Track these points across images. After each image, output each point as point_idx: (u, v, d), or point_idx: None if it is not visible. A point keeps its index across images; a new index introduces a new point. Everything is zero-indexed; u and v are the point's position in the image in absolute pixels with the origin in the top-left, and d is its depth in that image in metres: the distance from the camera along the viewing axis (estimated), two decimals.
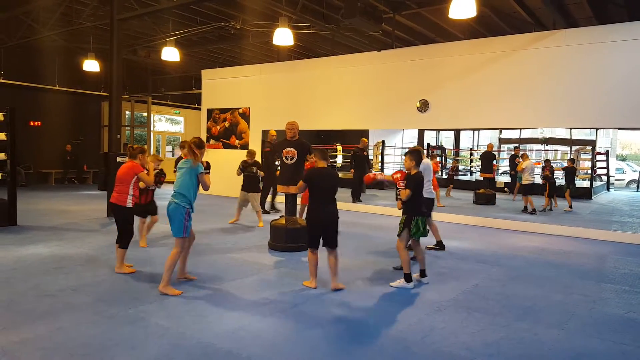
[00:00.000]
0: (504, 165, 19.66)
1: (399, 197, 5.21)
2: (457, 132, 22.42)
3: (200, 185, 4.65)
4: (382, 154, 17.36)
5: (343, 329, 3.82)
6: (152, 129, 18.37)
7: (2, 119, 7.80)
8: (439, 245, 6.89)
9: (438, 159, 13.85)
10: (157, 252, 6.13)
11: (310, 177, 4.96)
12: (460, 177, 18.24)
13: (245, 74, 13.38)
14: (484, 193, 12.58)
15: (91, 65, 12.65)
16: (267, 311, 4.15)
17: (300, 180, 5.18)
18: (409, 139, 21.26)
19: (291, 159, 6.61)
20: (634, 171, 20.50)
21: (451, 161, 19.93)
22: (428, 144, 19.54)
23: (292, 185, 6.31)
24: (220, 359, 3.21)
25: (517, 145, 18.09)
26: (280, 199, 9.73)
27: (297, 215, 8.24)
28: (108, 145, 9.58)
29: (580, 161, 18.80)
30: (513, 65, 9.13)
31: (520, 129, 19.50)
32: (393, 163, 19.19)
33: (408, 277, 4.99)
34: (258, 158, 9.59)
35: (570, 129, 18.47)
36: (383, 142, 17.59)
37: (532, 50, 8.93)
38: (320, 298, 4.56)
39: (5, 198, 7.84)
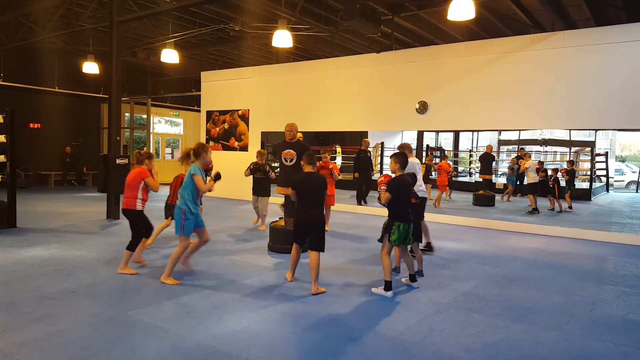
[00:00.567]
0: (503, 167, 19.67)
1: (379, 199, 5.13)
2: (457, 134, 22.44)
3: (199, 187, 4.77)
4: (382, 155, 17.37)
5: (342, 330, 3.82)
6: (151, 131, 18.38)
7: (1, 121, 7.80)
8: (428, 247, 6.71)
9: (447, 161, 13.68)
10: (162, 254, 6.13)
11: (297, 184, 5.01)
12: (460, 179, 18.25)
13: (244, 75, 13.39)
14: (484, 194, 12.61)
15: (91, 67, 12.67)
16: (267, 313, 4.15)
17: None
18: (408, 140, 21.28)
19: (290, 161, 6.63)
20: (634, 172, 20.51)
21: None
22: (427, 145, 19.57)
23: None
24: None
25: (522, 147, 18.09)
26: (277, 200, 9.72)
27: None
28: (107, 147, 9.58)
29: (580, 162, 18.84)
30: (512, 66, 9.15)
31: (520, 130, 19.52)
32: None
33: (387, 286, 4.73)
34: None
35: (570, 130, 18.49)
36: (382, 143, 17.61)
37: (531, 51, 8.94)
38: (319, 300, 4.56)
39: (4, 200, 7.83)
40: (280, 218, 6.70)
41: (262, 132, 13.06)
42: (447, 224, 9.76)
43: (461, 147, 23.10)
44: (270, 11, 9.71)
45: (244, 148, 13.10)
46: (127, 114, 17.45)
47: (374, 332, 3.78)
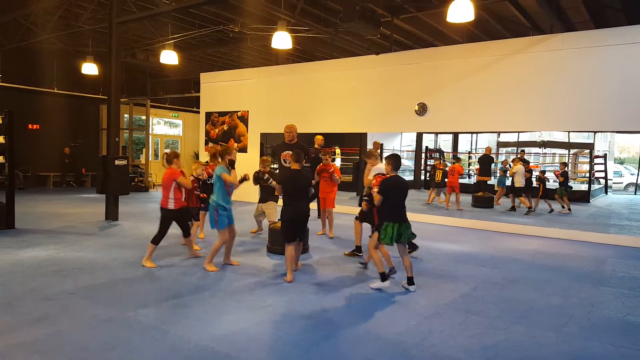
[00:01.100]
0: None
1: (364, 197, 5.80)
2: (456, 136, 22.44)
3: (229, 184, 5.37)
4: (381, 157, 17.34)
5: (341, 331, 3.81)
6: (150, 132, 18.36)
7: (0, 122, 7.79)
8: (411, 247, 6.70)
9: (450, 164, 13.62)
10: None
11: (282, 181, 5.60)
12: (459, 180, 18.20)
13: (243, 77, 13.40)
14: (483, 196, 12.63)
15: (90, 68, 12.67)
16: (265, 314, 4.15)
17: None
18: (408, 142, 21.29)
19: (289, 162, 6.62)
20: (632, 174, 20.53)
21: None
22: (426, 147, 19.59)
23: None
24: None
25: (522, 149, 18.09)
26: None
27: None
28: (106, 148, 9.57)
29: (579, 164, 18.86)
30: (511, 68, 9.16)
31: (519, 132, 19.53)
32: None
33: (382, 277, 4.99)
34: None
35: (569, 132, 18.51)
36: (382, 145, 17.59)
37: (530, 54, 8.96)
38: (318, 301, 4.55)
39: (3, 201, 7.82)
40: (279, 220, 6.70)
41: (261, 134, 13.06)
42: (445, 225, 9.76)
43: (460, 149, 23.11)
44: (269, 12, 9.71)
45: (243, 149, 13.10)
46: (126, 115, 17.43)
47: (373, 334, 3.78)
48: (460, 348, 3.54)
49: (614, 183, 19.63)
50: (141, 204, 11.84)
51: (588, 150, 17.33)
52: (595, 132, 19.06)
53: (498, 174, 14.61)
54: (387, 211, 4.99)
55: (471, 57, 9.64)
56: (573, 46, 8.56)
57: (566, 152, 19.85)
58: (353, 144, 16.78)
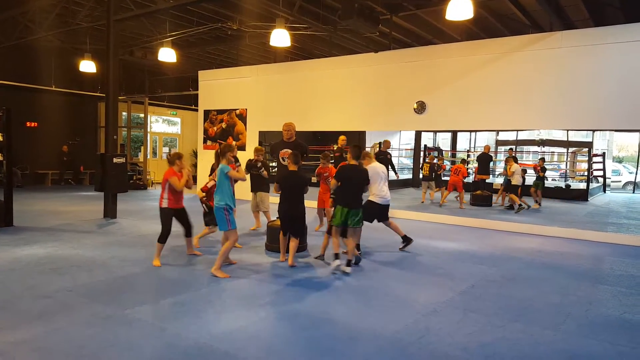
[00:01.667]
0: (500, 167, 19.69)
1: (331, 195, 6.29)
2: (454, 134, 22.44)
3: (235, 182, 5.33)
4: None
5: (339, 329, 3.81)
6: (148, 130, 18.34)
7: None
8: (406, 240, 6.89)
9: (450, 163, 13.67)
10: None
11: (280, 180, 5.80)
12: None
13: (242, 75, 13.37)
14: (481, 194, 12.64)
15: (88, 66, 12.63)
16: (264, 312, 4.15)
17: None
18: (406, 140, 21.29)
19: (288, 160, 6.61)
20: (630, 173, 20.56)
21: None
22: (425, 145, 19.58)
23: None
24: None
25: (511, 147, 18.14)
26: None
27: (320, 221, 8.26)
28: (105, 146, 9.56)
29: (577, 163, 18.88)
30: (510, 66, 9.16)
31: (517, 130, 19.54)
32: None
33: (336, 256, 5.55)
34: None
35: (567, 130, 18.52)
36: (380, 143, 17.59)
37: (529, 51, 8.96)
38: (316, 299, 4.56)
39: (1, 199, 7.81)
40: (277, 218, 6.69)
41: (259, 132, 13.05)
42: (444, 223, 9.77)
43: (459, 147, 23.11)
44: (268, 10, 9.70)
45: (242, 147, 13.08)
46: (124, 113, 17.40)
47: (370, 332, 3.78)
48: (458, 346, 3.54)
49: (612, 181, 19.66)
50: (139, 202, 11.83)
51: (587, 149, 17.34)
52: (594, 131, 19.08)
53: (503, 174, 14.65)
54: (340, 196, 5.58)
55: (470, 55, 9.63)
56: (572, 44, 8.55)
57: (565, 150, 19.86)
58: (353, 142, 16.73)
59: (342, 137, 9.86)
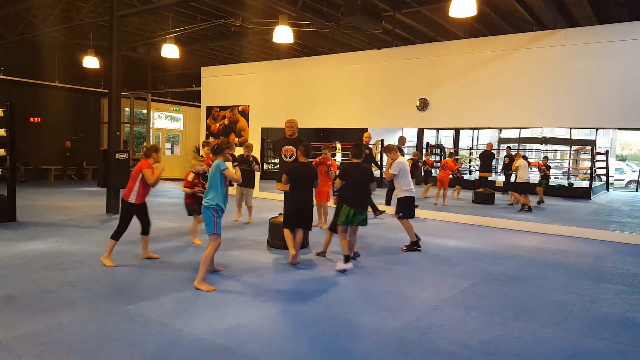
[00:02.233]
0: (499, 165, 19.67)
1: (335, 192, 6.07)
2: (457, 131, 22.42)
3: (229, 181, 4.81)
4: (381, 152, 17.36)
5: (340, 326, 3.82)
6: (151, 126, 18.37)
7: (1, 115, 7.79)
8: (414, 245, 6.76)
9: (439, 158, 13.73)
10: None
11: (291, 171, 5.72)
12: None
13: (244, 71, 13.37)
14: (483, 192, 12.63)
15: (91, 61, 12.65)
16: (265, 308, 4.16)
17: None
18: (409, 137, 21.21)
19: (290, 157, 6.62)
20: (634, 171, 20.51)
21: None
22: (427, 142, 19.57)
23: None
24: (218, 355, 3.22)
25: (508, 145, 18.13)
26: None
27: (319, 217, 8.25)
28: (107, 141, 9.58)
29: (580, 161, 18.84)
30: (513, 64, 9.12)
31: (520, 128, 19.50)
32: None
33: (346, 259, 5.43)
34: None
35: (570, 128, 18.47)
36: (382, 140, 17.59)
37: (533, 49, 8.92)
38: (318, 296, 4.56)
39: (4, 194, 7.83)
40: (279, 214, 6.71)
41: (262, 128, 13.05)
42: (446, 221, 9.77)
43: (461, 144, 23.09)
44: (271, 7, 9.68)
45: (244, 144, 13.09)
46: (127, 109, 17.44)
47: (372, 328, 3.79)
48: (460, 343, 3.55)
49: (615, 180, 19.63)
50: None
51: (590, 147, 17.30)
52: (597, 129, 19.04)
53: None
54: (344, 195, 5.52)
55: (473, 52, 9.60)
56: (576, 42, 8.51)
57: (568, 148, 19.81)
58: (355, 139, 16.74)
59: (366, 134, 9.82)
